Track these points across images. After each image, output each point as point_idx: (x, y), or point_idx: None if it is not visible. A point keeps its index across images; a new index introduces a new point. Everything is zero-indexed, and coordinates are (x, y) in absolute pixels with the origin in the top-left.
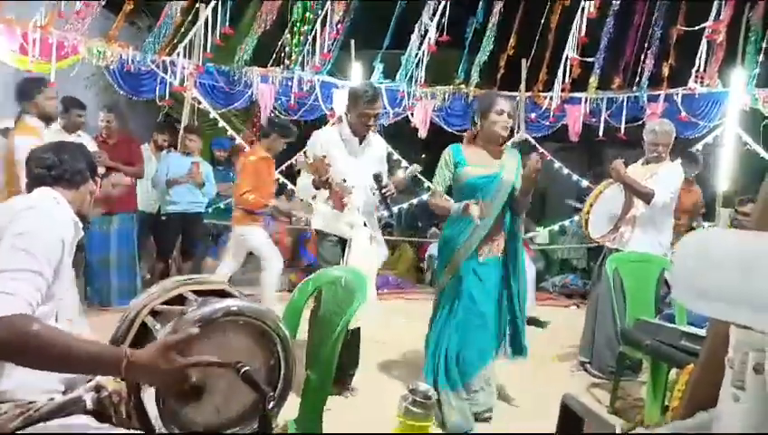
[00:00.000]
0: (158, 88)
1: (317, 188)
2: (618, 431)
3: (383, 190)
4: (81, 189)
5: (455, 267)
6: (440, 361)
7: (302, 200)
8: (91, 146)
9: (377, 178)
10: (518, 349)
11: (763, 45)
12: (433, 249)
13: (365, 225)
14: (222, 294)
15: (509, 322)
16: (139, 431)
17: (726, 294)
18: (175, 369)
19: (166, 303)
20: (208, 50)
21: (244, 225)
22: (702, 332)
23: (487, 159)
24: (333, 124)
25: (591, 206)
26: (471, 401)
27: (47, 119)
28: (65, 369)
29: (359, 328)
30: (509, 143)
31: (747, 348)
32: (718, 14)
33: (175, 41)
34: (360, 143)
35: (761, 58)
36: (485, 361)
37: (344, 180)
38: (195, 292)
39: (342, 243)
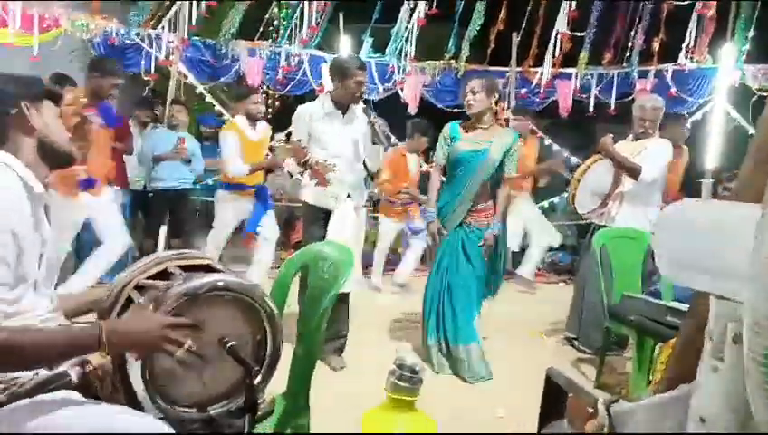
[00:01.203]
0: (143, 62)
1: (300, 166)
2: (600, 404)
3: (375, 126)
4: (13, 124)
5: (445, 234)
6: (435, 313)
7: (291, 176)
8: None
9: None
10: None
11: (753, 21)
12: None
13: (349, 196)
14: (208, 269)
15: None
16: (124, 406)
17: (705, 265)
18: (156, 324)
19: (151, 278)
20: (194, 23)
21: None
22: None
23: (479, 137)
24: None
25: (579, 181)
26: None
27: (253, 119)
28: (45, 363)
29: (347, 294)
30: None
31: (726, 319)
32: None
33: (159, 14)
34: (344, 115)
35: (750, 33)
36: (472, 315)
37: (325, 160)
38: (180, 267)
39: (329, 215)
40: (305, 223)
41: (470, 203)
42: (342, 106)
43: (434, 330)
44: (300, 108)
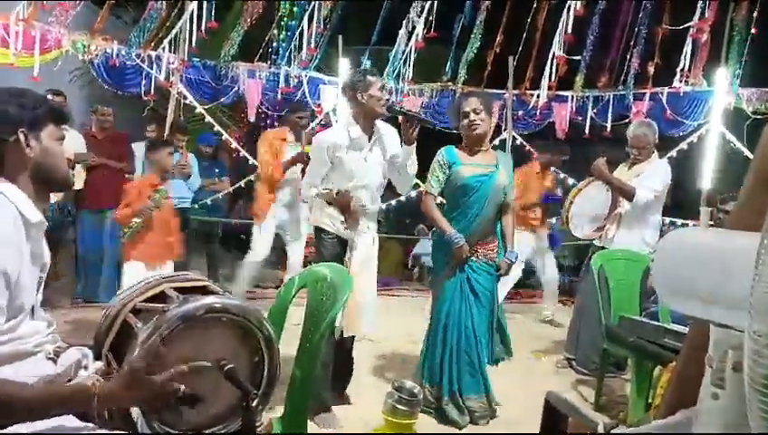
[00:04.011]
0: (143, 83)
1: (329, 204)
2: (600, 428)
3: (407, 114)
4: (10, 151)
5: (452, 270)
6: (438, 361)
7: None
8: (79, 141)
9: (396, 111)
10: (503, 350)
11: (747, 44)
12: (419, 248)
13: (368, 228)
14: (204, 291)
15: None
16: (121, 431)
17: (705, 293)
18: (151, 389)
19: (147, 300)
20: (194, 44)
21: None
22: (685, 329)
23: (482, 160)
24: (330, 124)
25: (571, 203)
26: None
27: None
28: (33, 419)
29: (353, 337)
30: (496, 142)
31: (726, 346)
32: (703, 13)
33: (160, 35)
34: (370, 139)
35: (744, 57)
36: (479, 373)
37: (363, 205)
38: (177, 289)
39: (342, 242)
40: (318, 248)
41: (481, 233)
42: (367, 128)
43: (435, 379)
44: (320, 137)
